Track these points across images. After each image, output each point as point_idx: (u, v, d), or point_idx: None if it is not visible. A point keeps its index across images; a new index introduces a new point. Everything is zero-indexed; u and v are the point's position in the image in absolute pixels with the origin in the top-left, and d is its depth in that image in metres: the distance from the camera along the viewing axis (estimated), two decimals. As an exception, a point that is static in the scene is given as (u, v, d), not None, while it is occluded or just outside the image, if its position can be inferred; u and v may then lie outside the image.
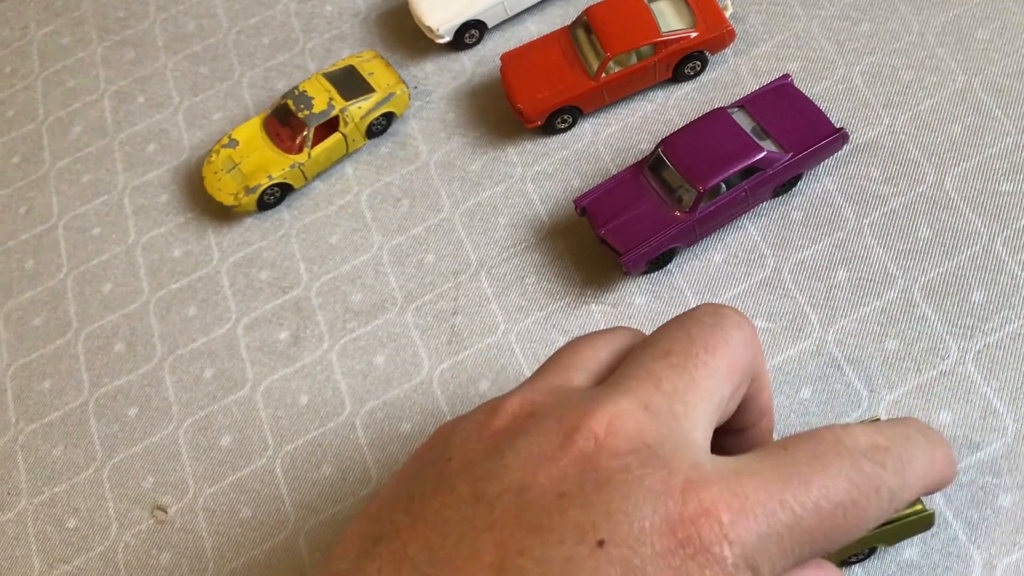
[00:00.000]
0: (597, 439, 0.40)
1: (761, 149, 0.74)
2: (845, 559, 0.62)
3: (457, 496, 0.40)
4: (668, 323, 0.47)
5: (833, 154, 0.77)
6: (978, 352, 0.69)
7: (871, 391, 0.69)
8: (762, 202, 0.78)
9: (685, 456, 0.41)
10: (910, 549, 0.64)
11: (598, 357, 0.48)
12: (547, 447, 0.41)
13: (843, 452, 0.42)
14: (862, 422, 0.45)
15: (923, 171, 0.77)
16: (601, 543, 0.37)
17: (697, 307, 0.47)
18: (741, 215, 0.78)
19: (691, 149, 0.75)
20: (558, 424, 0.42)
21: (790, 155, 0.75)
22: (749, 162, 0.74)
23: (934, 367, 0.69)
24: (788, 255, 0.76)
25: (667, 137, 0.77)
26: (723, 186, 0.74)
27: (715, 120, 0.77)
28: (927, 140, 0.78)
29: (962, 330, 0.70)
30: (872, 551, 0.63)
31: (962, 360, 0.69)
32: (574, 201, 0.79)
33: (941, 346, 0.70)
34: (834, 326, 0.72)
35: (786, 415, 0.70)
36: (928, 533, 0.63)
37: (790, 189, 0.78)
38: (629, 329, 0.51)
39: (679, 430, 0.42)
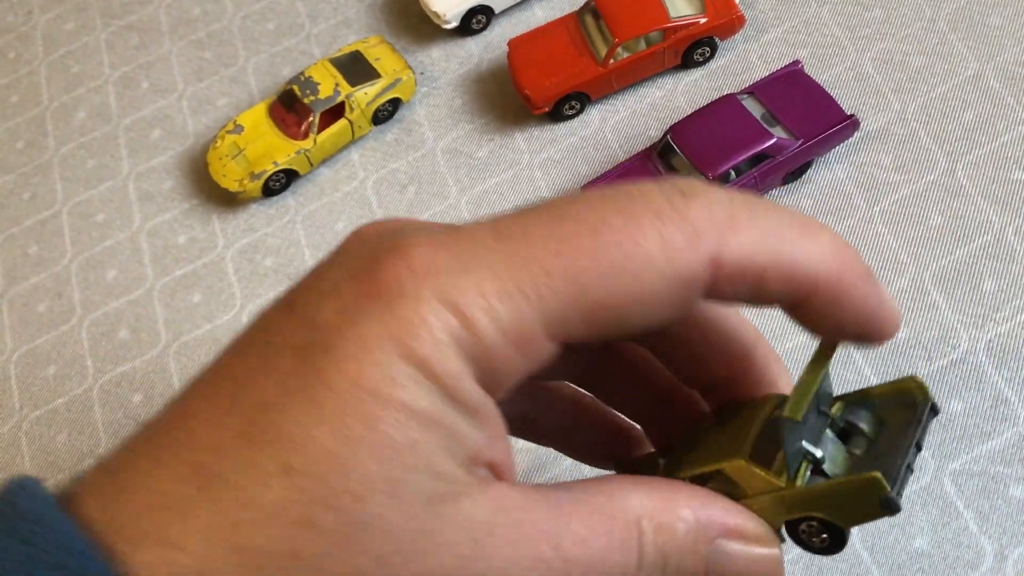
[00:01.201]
0: (358, 231, 0.36)
1: (771, 136, 0.74)
2: (808, 547, 0.48)
3: None
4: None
5: (844, 141, 0.77)
6: (989, 341, 0.69)
7: (881, 379, 0.69)
8: (772, 189, 0.77)
9: (422, 229, 0.34)
10: (920, 538, 0.63)
11: None
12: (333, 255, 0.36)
13: (625, 191, 0.33)
14: None
15: (934, 158, 0.76)
16: (291, 305, 0.34)
17: (715, 187, 0.33)
18: None
19: (700, 136, 0.75)
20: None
21: (800, 142, 0.74)
22: (759, 149, 0.73)
23: (945, 356, 0.69)
24: (798, 243, 0.75)
25: (676, 124, 0.76)
26: (733, 173, 0.74)
27: (725, 106, 0.76)
28: (938, 127, 0.78)
29: (973, 319, 0.70)
30: (837, 540, 0.46)
31: (973, 349, 0.69)
32: (582, 188, 0.78)
33: (952, 335, 0.69)
34: (844, 314, 0.72)
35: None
36: (939, 523, 0.63)
37: (800, 176, 0.77)
38: None
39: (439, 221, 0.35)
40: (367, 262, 0.32)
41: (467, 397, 0.31)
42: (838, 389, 0.47)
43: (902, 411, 0.42)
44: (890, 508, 0.39)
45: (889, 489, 0.39)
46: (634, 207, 0.31)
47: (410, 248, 0.31)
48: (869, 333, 0.35)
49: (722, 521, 0.36)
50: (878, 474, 0.38)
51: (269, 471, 0.30)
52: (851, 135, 0.76)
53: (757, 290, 0.33)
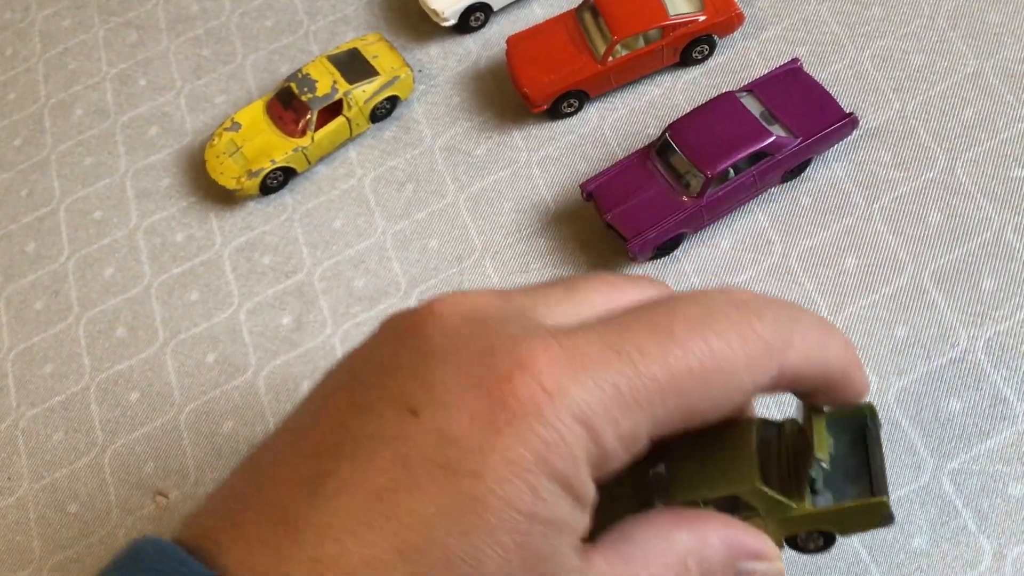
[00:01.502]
0: (433, 312, 0.39)
1: (770, 134, 0.73)
2: (796, 546, 0.51)
3: (337, 396, 0.41)
4: (711, 293, 0.41)
5: (843, 139, 0.76)
6: (988, 340, 0.69)
7: (880, 377, 0.69)
8: (771, 187, 0.77)
9: (519, 322, 0.39)
10: (919, 537, 0.63)
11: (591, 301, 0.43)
12: (392, 325, 0.41)
13: (706, 302, 0.39)
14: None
15: (934, 156, 0.76)
16: (415, 411, 0.36)
17: (770, 301, 0.41)
18: (749, 201, 0.77)
19: (699, 134, 0.75)
20: (419, 306, 0.41)
21: (799, 140, 0.74)
22: (758, 147, 0.73)
23: (944, 354, 0.69)
24: (797, 241, 0.75)
25: (675, 121, 0.76)
26: (731, 171, 0.73)
27: (723, 104, 0.76)
28: (938, 125, 0.77)
29: (972, 317, 0.70)
30: (829, 542, 0.51)
31: (972, 348, 0.69)
32: (580, 186, 0.78)
33: (951, 333, 0.69)
34: (843, 312, 0.72)
35: (792, 400, 0.69)
36: (938, 522, 0.63)
37: (799, 174, 0.77)
38: (657, 285, 0.44)
39: (526, 307, 0.40)
40: (489, 372, 0.36)
41: (589, 498, 0.37)
42: None
43: (847, 429, 0.49)
44: (889, 521, 0.48)
45: (891, 508, 0.47)
46: (723, 328, 0.38)
47: (536, 364, 0.36)
48: (854, 400, 0.45)
49: (746, 546, 0.42)
50: (885, 499, 0.47)
51: None
52: (850, 133, 0.76)
53: (794, 385, 0.42)
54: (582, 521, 0.37)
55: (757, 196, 0.77)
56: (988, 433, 0.65)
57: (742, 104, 0.76)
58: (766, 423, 0.49)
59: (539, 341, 0.37)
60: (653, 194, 0.75)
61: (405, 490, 0.35)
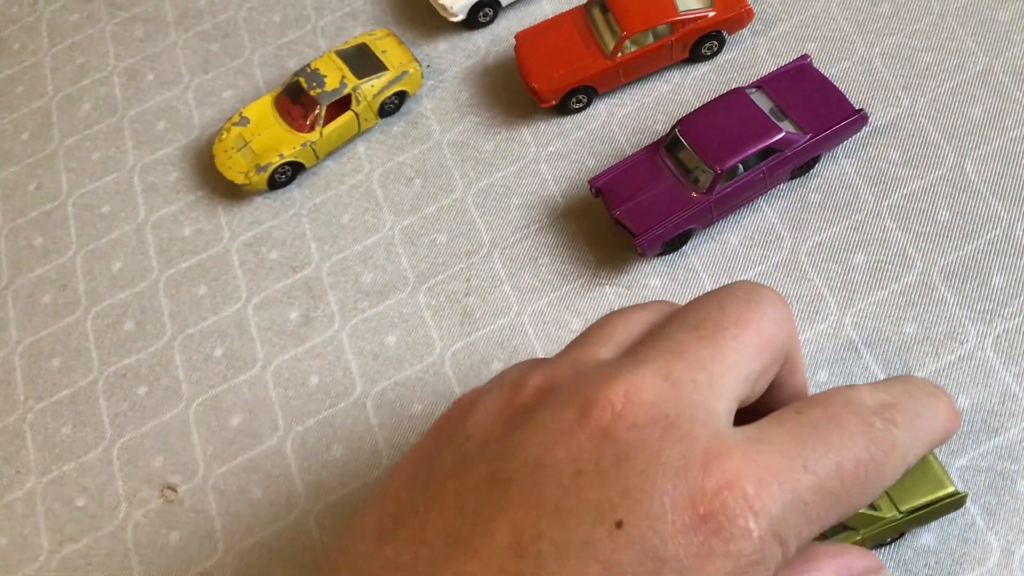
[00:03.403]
0: (614, 410, 0.39)
1: (779, 130, 0.73)
2: (877, 544, 0.62)
3: (475, 477, 0.39)
4: (702, 296, 0.45)
5: (852, 136, 0.76)
6: (997, 337, 0.69)
7: (889, 374, 0.69)
8: (780, 184, 0.77)
9: (706, 426, 0.39)
10: (927, 535, 0.63)
11: (630, 330, 0.45)
12: (564, 421, 0.39)
13: (855, 411, 0.41)
14: (865, 384, 0.45)
15: (943, 154, 0.76)
16: (620, 524, 0.36)
17: (733, 283, 0.46)
18: (758, 197, 0.77)
19: (708, 130, 0.74)
20: (575, 396, 0.40)
21: (808, 136, 0.74)
22: (767, 143, 0.73)
23: (952, 351, 0.69)
24: (806, 237, 0.75)
25: (684, 117, 0.76)
26: (740, 167, 0.73)
27: (733, 100, 0.76)
28: (947, 122, 0.77)
29: (981, 314, 0.70)
30: (901, 535, 0.62)
31: (981, 345, 0.69)
32: (589, 182, 0.78)
33: (960, 330, 0.69)
34: (852, 309, 0.72)
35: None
36: (946, 519, 0.63)
37: (808, 171, 0.77)
38: (667, 303, 0.48)
39: (701, 400, 0.40)
40: (696, 488, 0.37)
41: None
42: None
43: None
44: (962, 504, 0.60)
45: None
46: (874, 440, 0.41)
47: (740, 480, 0.37)
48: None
49: (858, 569, 0.44)
50: (961, 490, 0.59)
51: None
52: (859, 130, 0.76)
53: None
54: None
55: (766, 192, 0.77)
56: (997, 430, 0.65)
57: (751, 100, 0.76)
58: None
59: (735, 452, 0.38)
60: (662, 190, 0.75)
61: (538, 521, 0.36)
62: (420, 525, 0.39)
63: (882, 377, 0.69)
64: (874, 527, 0.59)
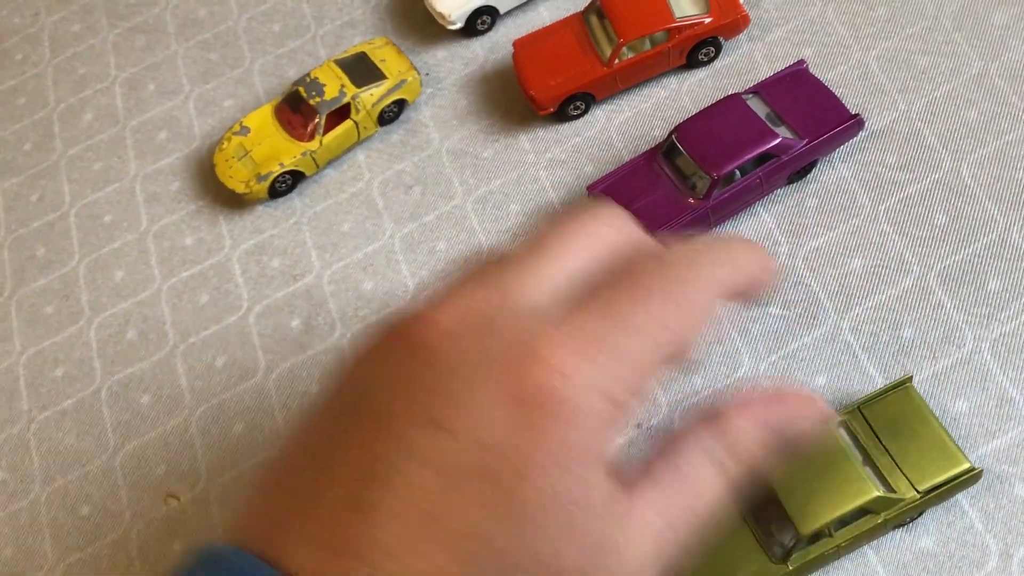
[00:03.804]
0: (432, 324, 0.41)
1: (776, 135, 0.74)
2: (897, 524, 0.63)
3: (337, 423, 0.42)
4: (672, 255, 0.44)
5: (849, 140, 0.77)
6: (994, 340, 0.69)
7: (887, 379, 0.69)
8: (777, 189, 0.77)
9: (518, 322, 0.40)
10: (926, 537, 0.63)
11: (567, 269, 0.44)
12: (395, 351, 0.41)
13: (655, 270, 0.43)
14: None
15: (939, 158, 0.76)
16: (448, 430, 0.38)
17: (687, 253, 0.45)
18: (755, 202, 0.77)
19: (705, 136, 0.75)
20: (391, 323, 0.43)
21: (805, 141, 0.74)
22: (763, 149, 0.73)
23: (950, 355, 0.69)
24: (803, 242, 0.76)
25: (681, 123, 0.76)
26: (737, 173, 0.74)
27: (729, 106, 0.76)
28: (943, 126, 0.78)
29: (978, 318, 0.70)
30: (921, 514, 0.64)
31: (978, 348, 0.69)
32: (587, 188, 0.78)
33: (957, 334, 0.70)
34: (849, 313, 0.72)
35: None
36: (944, 522, 0.63)
37: (805, 176, 0.78)
38: (625, 223, 0.47)
39: (515, 302, 0.42)
40: (509, 375, 0.38)
41: (623, 468, 0.39)
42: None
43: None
44: (978, 479, 0.63)
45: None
46: (685, 298, 0.42)
47: (551, 354, 0.38)
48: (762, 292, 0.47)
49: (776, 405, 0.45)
50: (982, 468, 0.63)
51: None
52: (856, 134, 0.77)
53: (733, 297, 0.45)
54: (621, 494, 0.39)
55: (763, 197, 0.77)
56: (994, 433, 0.66)
57: (748, 106, 0.76)
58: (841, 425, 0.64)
59: (546, 333, 0.39)
60: (659, 196, 0.76)
61: (454, 504, 0.37)
62: (292, 476, 0.41)
63: (880, 383, 0.69)
64: (894, 509, 0.61)
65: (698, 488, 0.42)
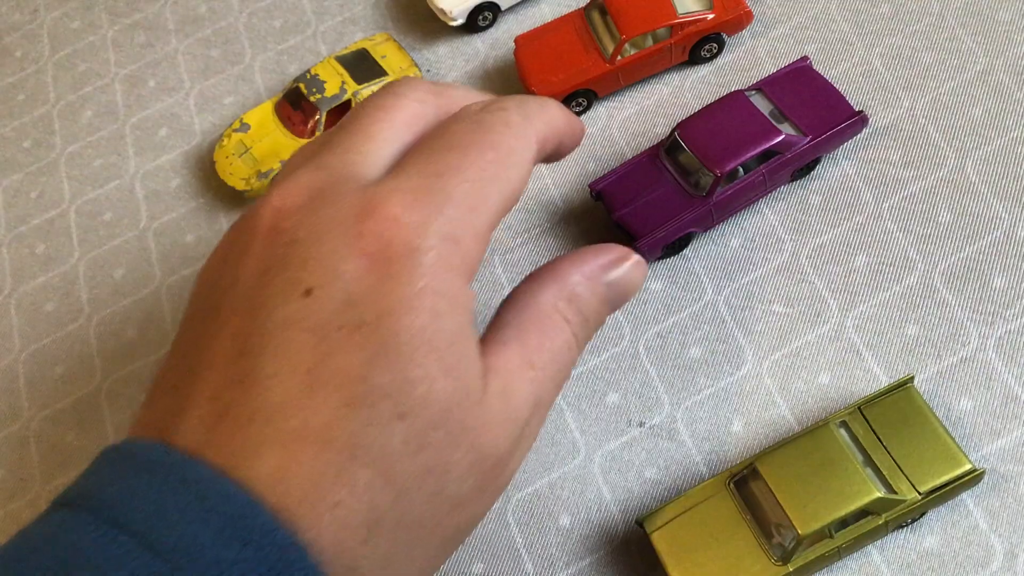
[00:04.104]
0: (273, 207, 0.44)
1: (779, 132, 0.73)
2: (899, 525, 0.63)
3: (200, 317, 0.45)
4: (484, 111, 0.49)
5: (852, 137, 0.76)
6: (999, 338, 0.68)
7: (891, 377, 0.69)
8: (780, 186, 0.77)
9: (351, 185, 0.44)
10: (931, 537, 0.63)
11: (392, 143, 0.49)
12: (243, 236, 0.45)
13: (465, 117, 0.47)
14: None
15: (944, 155, 0.76)
16: (308, 291, 0.41)
17: (486, 108, 0.49)
18: (759, 199, 0.77)
19: (708, 132, 0.74)
20: (251, 216, 0.46)
21: (809, 138, 0.74)
22: (767, 146, 0.73)
23: (954, 353, 0.69)
24: (806, 240, 0.75)
25: (683, 120, 0.76)
26: (740, 170, 0.73)
27: (732, 103, 0.76)
28: (948, 123, 0.77)
29: (983, 316, 0.69)
30: (923, 515, 0.63)
31: (983, 347, 0.68)
32: (589, 185, 0.78)
33: (962, 332, 0.69)
34: (853, 311, 0.72)
35: (804, 400, 0.69)
36: (949, 522, 0.63)
37: (809, 173, 0.77)
38: (428, 94, 0.51)
39: (347, 172, 0.45)
40: (354, 234, 0.41)
41: (472, 304, 0.43)
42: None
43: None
44: (980, 479, 0.62)
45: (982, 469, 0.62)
46: (497, 135, 0.46)
47: (388, 210, 0.42)
48: (577, 143, 0.53)
49: (601, 263, 0.50)
50: (984, 469, 0.62)
51: (385, 417, 0.40)
52: (860, 131, 0.76)
53: (546, 149, 0.50)
54: (472, 326, 0.43)
55: (767, 195, 0.77)
56: (999, 432, 0.65)
57: (751, 103, 0.75)
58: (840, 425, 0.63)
59: (378, 193, 0.43)
60: (662, 193, 0.75)
61: (332, 355, 0.40)
62: (172, 375, 0.44)
63: (884, 381, 0.69)
64: (896, 510, 0.60)
65: (553, 338, 0.46)
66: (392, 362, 0.40)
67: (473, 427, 0.42)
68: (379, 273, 0.41)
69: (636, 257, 0.51)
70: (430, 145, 0.46)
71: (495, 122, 0.47)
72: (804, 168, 0.76)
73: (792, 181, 0.77)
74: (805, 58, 0.79)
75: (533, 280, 0.49)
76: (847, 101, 0.76)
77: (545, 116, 0.50)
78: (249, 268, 0.44)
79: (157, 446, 0.40)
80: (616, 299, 0.51)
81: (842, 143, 0.76)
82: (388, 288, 0.40)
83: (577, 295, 0.48)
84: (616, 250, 0.51)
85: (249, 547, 0.37)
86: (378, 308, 0.40)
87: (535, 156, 0.49)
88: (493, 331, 0.46)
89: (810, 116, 0.75)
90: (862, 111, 0.76)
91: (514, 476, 0.46)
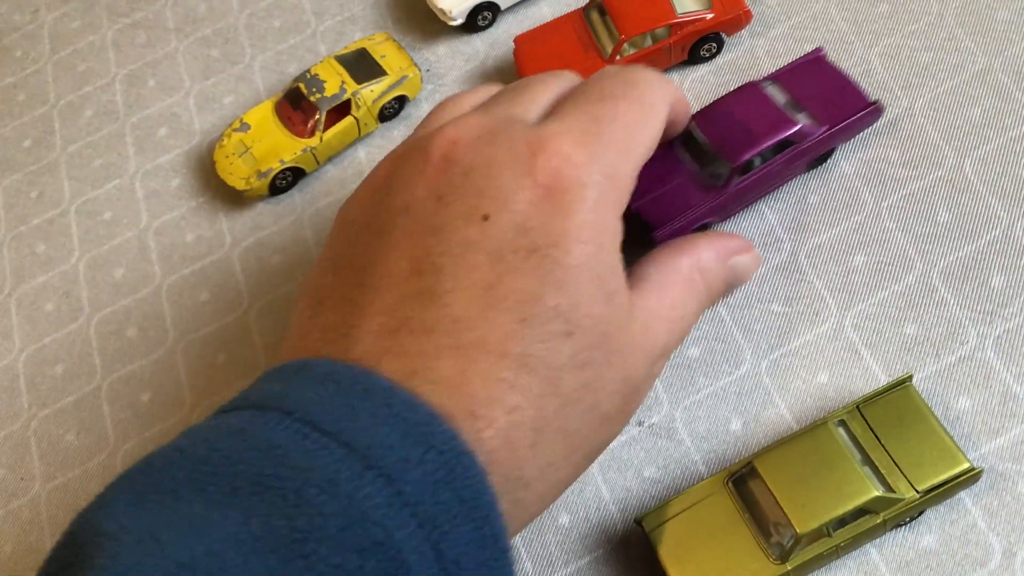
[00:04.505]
0: (449, 139, 0.49)
1: (795, 123, 0.73)
2: (896, 524, 0.63)
3: (367, 236, 0.49)
4: (605, 72, 0.57)
5: (869, 126, 0.76)
6: (998, 337, 0.69)
7: (890, 376, 0.69)
8: (796, 175, 0.76)
9: (519, 126, 0.49)
10: (928, 536, 0.63)
11: (545, 98, 0.55)
12: (416, 164, 0.49)
13: (616, 77, 0.56)
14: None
15: (942, 154, 0.76)
16: (486, 217, 0.45)
17: (627, 68, 0.57)
18: (776, 189, 0.76)
19: (724, 123, 0.74)
20: (420, 142, 0.51)
21: (825, 128, 0.74)
22: (783, 135, 0.73)
23: (953, 352, 0.69)
24: (805, 239, 0.75)
25: (698, 111, 0.75)
26: (757, 160, 0.73)
27: (748, 94, 0.75)
28: (946, 122, 0.77)
29: (982, 315, 0.70)
30: (921, 514, 0.63)
31: (981, 346, 0.69)
32: None
33: (960, 331, 0.69)
34: (852, 310, 0.72)
35: (803, 399, 0.69)
36: (947, 521, 0.63)
37: (824, 162, 0.77)
38: (572, 74, 0.60)
39: (511, 115, 0.51)
40: (529, 169, 0.46)
41: (620, 239, 0.49)
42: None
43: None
44: (979, 478, 0.62)
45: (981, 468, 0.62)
46: (643, 91, 0.55)
47: (558, 148, 0.47)
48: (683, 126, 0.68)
49: (730, 248, 0.62)
50: (983, 468, 0.62)
51: (555, 334, 0.44)
52: (875, 121, 0.76)
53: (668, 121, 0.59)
54: (621, 261, 0.49)
55: (784, 184, 0.76)
56: (998, 431, 0.65)
57: (766, 93, 0.75)
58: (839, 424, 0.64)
59: (546, 132, 0.47)
60: (678, 184, 0.74)
61: (507, 275, 0.44)
62: (337, 293, 0.47)
63: (883, 380, 0.69)
64: (894, 508, 0.60)
65: (688, 297, 0.54)
66: (562, 285, 0.44)
67: (621, 351, 0.46)
68: (550, 203, 0.45)
69: (756, 251, 0.60)
70: (585, 95, 0.52)
71: (639, 79, 0.54)
72: (820, 158, 0.76)
73: (808, 170, 0.77)
74: (819, 49, 0.79)
75: (670, 247, 0.55)
76: (862, 91, 0.76)
77: (671, 87, 0.59)
78: (422, 193, 0.47)
79: (331, 361, 0.43)
80: (734, 282, 0.58)
81: (858, 132, 0.76)
82: (559, 218, 0.45)
83: (709, 269, 0.55)
84: (741, 239, 0.59)
85: (431, 451, 0.39)
86: (550, 236, 0.44)
87: (667, 116, 0.56)
88: (635, 280, 0.51)
89: (826, 106, 0.75)
90: (877, 100, 0.75)
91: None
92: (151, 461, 0.41)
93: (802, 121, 0.74)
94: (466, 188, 0.46)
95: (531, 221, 0.44)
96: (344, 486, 0.38)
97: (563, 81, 0.57)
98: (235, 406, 0.44)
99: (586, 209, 0.45)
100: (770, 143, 0.73)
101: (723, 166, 0.73)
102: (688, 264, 0.55)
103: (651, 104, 0.53)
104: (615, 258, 0.47)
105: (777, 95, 0.76)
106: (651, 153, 0.54)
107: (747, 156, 0.73)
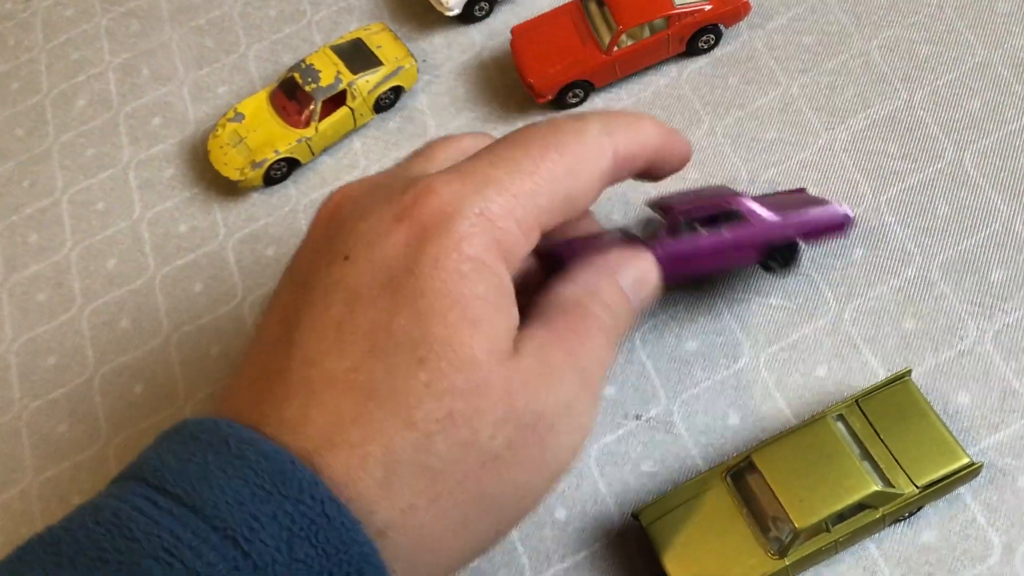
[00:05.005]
0: (334, 195, 0.50)
1: (740, 198, 0.66)
2: (895, 519, 0.62)
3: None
4: (545, 123, 0.52)
5: (832, 233, 0.69)
6: (997, 332, 0.68)
7: (889, 370, 0.68)
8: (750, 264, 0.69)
9: (402, 175, 0.49)
10: (928, 532, 0.63)
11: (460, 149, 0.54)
12: (309, 230, 0.51)
13: (542, 126, 0.51)
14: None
15: (942, 147, 0.76)
16: (347, 257, 0.45)
17: (564, 118, 0.52)
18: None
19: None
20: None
21: (780, 219, 0.66)
22: (724, 208, 0.65)
23: (952, 347, 0.68)
24: (804, 232, 0.75)
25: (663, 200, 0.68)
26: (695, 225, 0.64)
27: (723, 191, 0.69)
28: (946, 115, 0.77)
29: (981, 309, 0.69)
30: (920, 509, 0.63)
31: (981, 340, 0.68)
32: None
33: (959, 325, 0.69)
34: (851, 304, 0.71)
35: (801, 393, 0.69)
36: (946, 516, 0.63)
37: (791, 262, 0.69)
38: (487, 135, 0.57)
39: (406, 168, 0.52)
40: (399, 209, 0.45)
41: (508, 283, 0.46)
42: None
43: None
44: (978, 473, 0.62)
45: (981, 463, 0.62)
46: (567, 138, 0.49)
47: (435, 188, 0.45)
48: (680, 166, 0.58)
49: (643, 275, 0.57)
50: (976, 461, 0.61)
51: (406, 362, 0.42)
52: (844, 232, 0.69)
53: (632, 165, 0.53)
54: (505, 297, 0.46)
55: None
56: (997, 426, 0.65)
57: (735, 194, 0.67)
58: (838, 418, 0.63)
59: (432, 175, 0.47)
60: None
61: (360, 310, 0.43)
62: (247, 354, 0.48)
63: (882, 374, 0.68)
64: (893, 503, 0.60)
65: (585, 326, 0.50)
66: (416, 312, 0.42)
67: (503, 378, 0.43)
68: (413, 238, 0.44)
69: (647, 256, 0.55)
70: (499, 143, 0.49)
71: (567, 129, 0.50)
72: (783, 251, 0.68)
73: (774, 269, 0.70)
74: (802, 189, 0.74)
75: (563, 277, 0.52)
76: (837, 207, 0.69)
77: (632, 133, 0.52)
78: (304, 252, 0.49)
79: (202, 419, 0.42)
80: (637, 293, 0.55)
81: (827, 233, 0.69)
82: (419, 250, 0.43)
83: (601, 291, 0.52)
84: (629, 250, 0.55)
85: (287, 502, 0.38)
86: (407, 267, 0.43)
87: (609, 171, 0.51)
88: (529, 318, 0.49)
89: (794, 208, 0.68)
90: (847, 214, 0.69)
91: (573, 459, 0.47)
92: (30, 542, 0.43)
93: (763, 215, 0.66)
94: (339, 234, 0.46)
95: (391, 256, 0.44)
96: (183, 554, 0.36)
97: (478, 140, 0.55)
98: (120, 474, 0.43)
99: (450, 242, 0.43)
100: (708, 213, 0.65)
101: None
102: (575, 291, 0.51)
103: (575, 157, 0.48)
104: (485, 288, 0.44)
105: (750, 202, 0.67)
106: (576, 211, 0.50)
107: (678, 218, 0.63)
